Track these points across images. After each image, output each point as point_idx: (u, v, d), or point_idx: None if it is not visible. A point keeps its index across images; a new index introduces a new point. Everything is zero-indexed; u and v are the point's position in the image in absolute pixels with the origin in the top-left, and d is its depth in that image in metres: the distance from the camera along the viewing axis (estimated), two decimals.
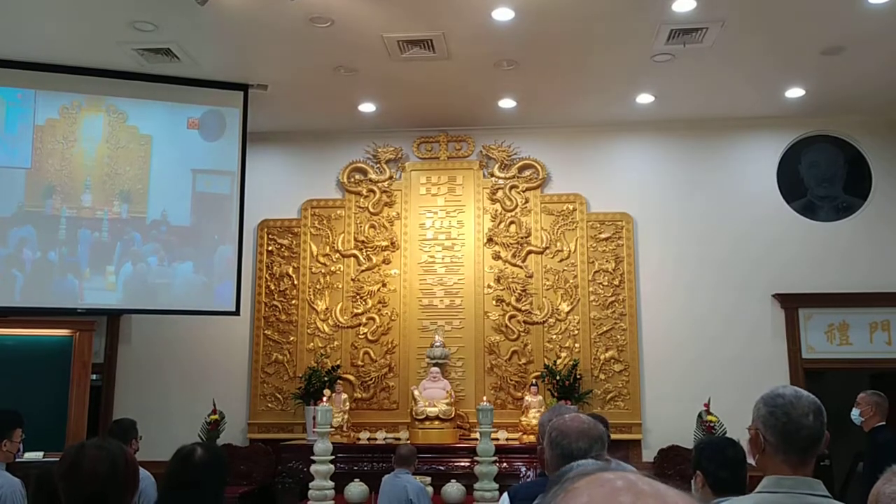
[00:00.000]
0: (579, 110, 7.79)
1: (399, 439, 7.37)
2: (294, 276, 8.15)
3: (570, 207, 8.05)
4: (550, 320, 7.86)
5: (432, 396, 7.26)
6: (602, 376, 7.73)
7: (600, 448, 2.28)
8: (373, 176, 8.24)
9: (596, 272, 7.90)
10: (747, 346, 7.65)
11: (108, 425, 5.83)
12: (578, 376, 7.50)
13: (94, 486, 2.14)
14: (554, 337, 7.83)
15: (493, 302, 7.93)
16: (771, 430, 2.02)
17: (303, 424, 7.65)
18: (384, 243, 8.07)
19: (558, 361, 7.64)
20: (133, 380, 7.95)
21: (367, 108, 7.72)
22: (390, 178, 8.23)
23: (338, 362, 7.87)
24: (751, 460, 2.19)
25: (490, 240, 8.02)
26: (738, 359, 7.58)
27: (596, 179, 8.11)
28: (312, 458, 5.96)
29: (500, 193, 8.09)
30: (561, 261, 7.96)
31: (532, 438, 6.63)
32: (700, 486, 2.83)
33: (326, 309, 8.06)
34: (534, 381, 7.56)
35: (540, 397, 7.40)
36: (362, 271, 8.06)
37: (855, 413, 5.52)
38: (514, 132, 8.15)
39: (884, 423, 5.42)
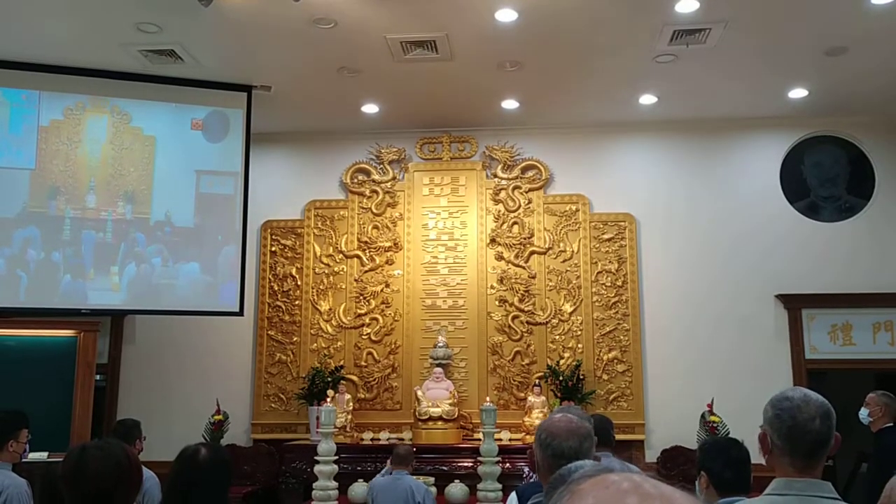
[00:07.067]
0: (582, 111, 7.79)
1: (402, 440, 7.38)
2: (297, 276, 8.16)
3: (573, 208, 8.05)
4: (553, 321, 7.86)
5: (435, 397, 7.27)
6: (605, 377, 7.73)
7: (590, 446, 2.30)
8: (376, 177, 8.24)
9: (599, 273, 7.90)
10: (750, 346, 7.64)
11: (112, 426, 5.84)
12: (581, 377, 7.50)
13: (97, 486, 2.14)
14: (557, 337, 7.83)
15: (496, 302, 7.93)
16: (777, 432, 2.01)
17: (306, 425, 7.65)
18: (387, 244, 8.08)
19: (561, 362, 7.65)
20: (137, 380, 7.96)
21: (371, 108, 7.73)
22: (393, 178, 8.24)
23: (341, 363, 7.87)
24: (761, 459, 2.19)
25: (493, 240, 8.01)
26: (741, 359, 7.57)
27: (599, 180, 8.10)
28: (316, 458, 5.97)
29: (503, 194, 8.09)
30: (564, 261, 7.96)
31: None
32: (704, 486, 2.83)
33: (330, 309, 8.06)
34: (537, 381, 7.57)
35: (543, 398, 7.41)
36: (365, 272, 8.06)
37: (863, 413, 5.49)
38: (517, 133, 8.15)
39: (891, 424, 5.38)
